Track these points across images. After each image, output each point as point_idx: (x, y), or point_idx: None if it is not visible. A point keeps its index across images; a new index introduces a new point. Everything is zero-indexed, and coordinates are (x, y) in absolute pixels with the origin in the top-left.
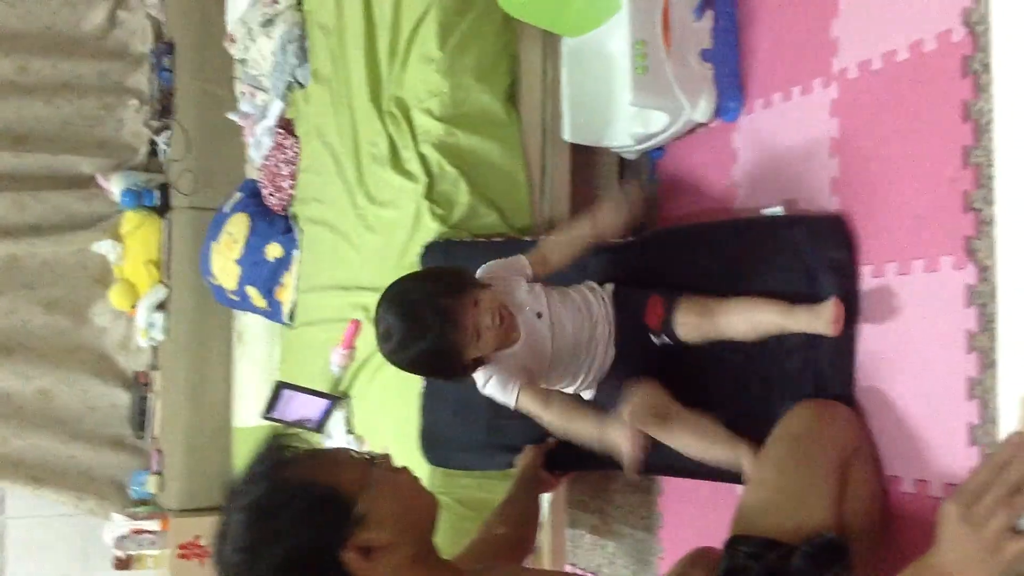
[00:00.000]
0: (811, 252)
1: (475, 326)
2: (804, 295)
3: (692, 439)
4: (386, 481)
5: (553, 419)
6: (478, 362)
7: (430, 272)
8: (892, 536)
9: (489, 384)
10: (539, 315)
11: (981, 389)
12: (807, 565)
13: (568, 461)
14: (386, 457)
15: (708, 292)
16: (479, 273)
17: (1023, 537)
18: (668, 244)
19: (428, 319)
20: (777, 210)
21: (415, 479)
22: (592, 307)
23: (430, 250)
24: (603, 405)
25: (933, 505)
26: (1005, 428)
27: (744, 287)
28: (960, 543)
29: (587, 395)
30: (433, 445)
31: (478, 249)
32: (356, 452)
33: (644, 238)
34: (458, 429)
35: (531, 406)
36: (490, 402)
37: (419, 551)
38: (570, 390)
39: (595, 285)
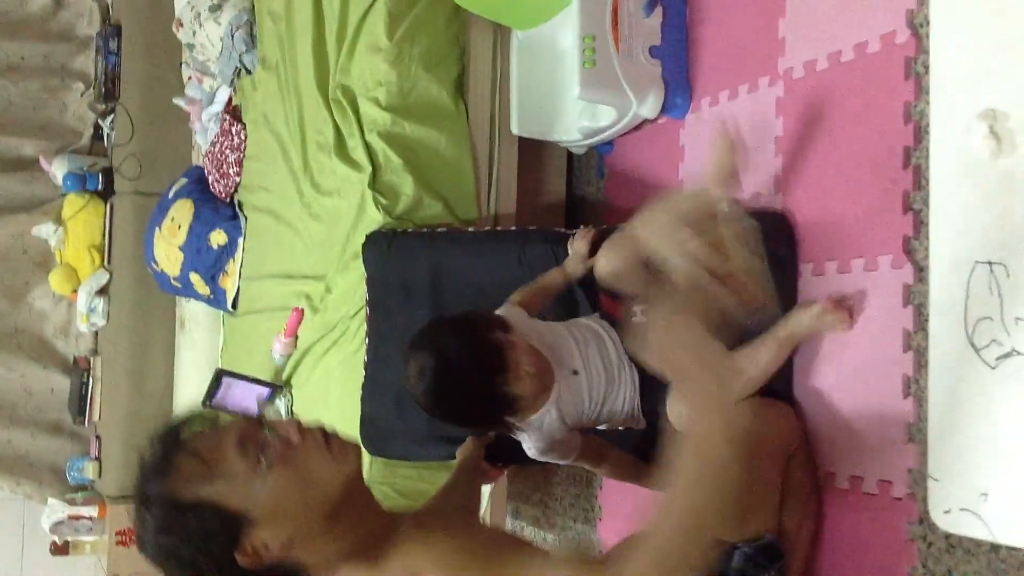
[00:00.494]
0: None
1: (515, 365)
2: None
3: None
4: (279, 473)
5: (608, 474)
6: (513, 410)
7: (466, 313)
8: (823, 532)
9: (543, 452)
10: (575, 372)
11: (917, 387)
12: (746, 565)
13: (509, 454)
14: (288, 427)
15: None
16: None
17: None
18: None
19: (470, 354)
20: (722, 207)
21: (321, 446)
22: (611, 333)
23: (372, 240)
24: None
25: (868, 502)
26: (936, 425)
27: None
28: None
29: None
30: (373, 435)
31: (421, 239)
32: (244, 442)
33: (591, 238)
34: (399, 419)
35: (586, 465)
36: None
37: (333, 525)
38: (621, 426)
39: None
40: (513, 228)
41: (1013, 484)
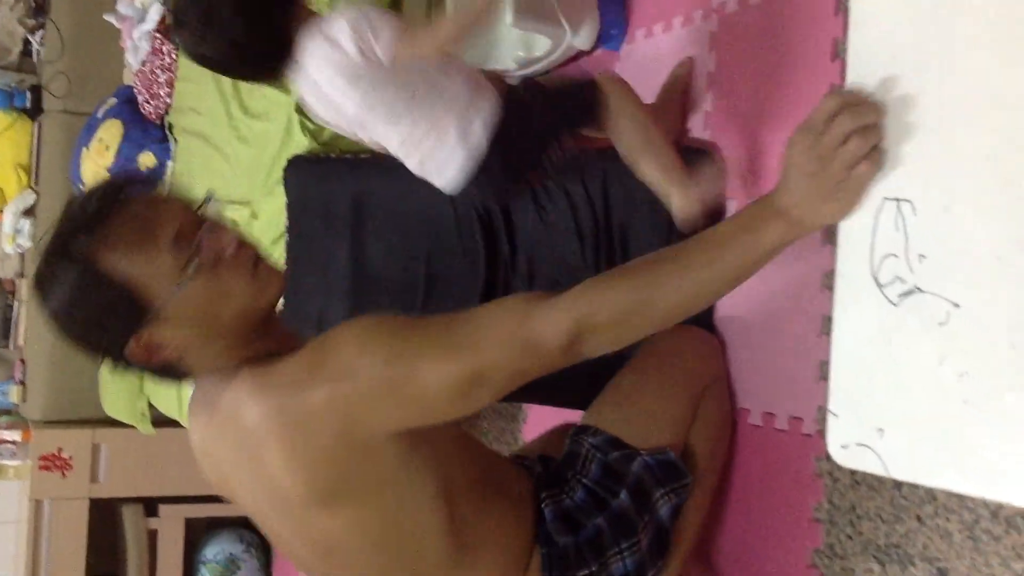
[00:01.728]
0: None
1: None
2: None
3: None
4: (201, 282)
5: None
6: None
7: None
8: (734, 467)
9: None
10: None
11: (832, 326)
12: (644, 474)
13: None
14: (228, 239)
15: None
16: None
17: (873, 161)
18: None
19: None
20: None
21: (249, 269)
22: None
23: (294, 164)
24: None
25: (778, 438)
26: (838, 360)
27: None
28: (806, 176)
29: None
30: None
31: (346, 166)
32: (180, 239)
33: None
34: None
35: None
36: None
37: (234, 342)
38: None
39: None
40: None
41: (908, 421)
